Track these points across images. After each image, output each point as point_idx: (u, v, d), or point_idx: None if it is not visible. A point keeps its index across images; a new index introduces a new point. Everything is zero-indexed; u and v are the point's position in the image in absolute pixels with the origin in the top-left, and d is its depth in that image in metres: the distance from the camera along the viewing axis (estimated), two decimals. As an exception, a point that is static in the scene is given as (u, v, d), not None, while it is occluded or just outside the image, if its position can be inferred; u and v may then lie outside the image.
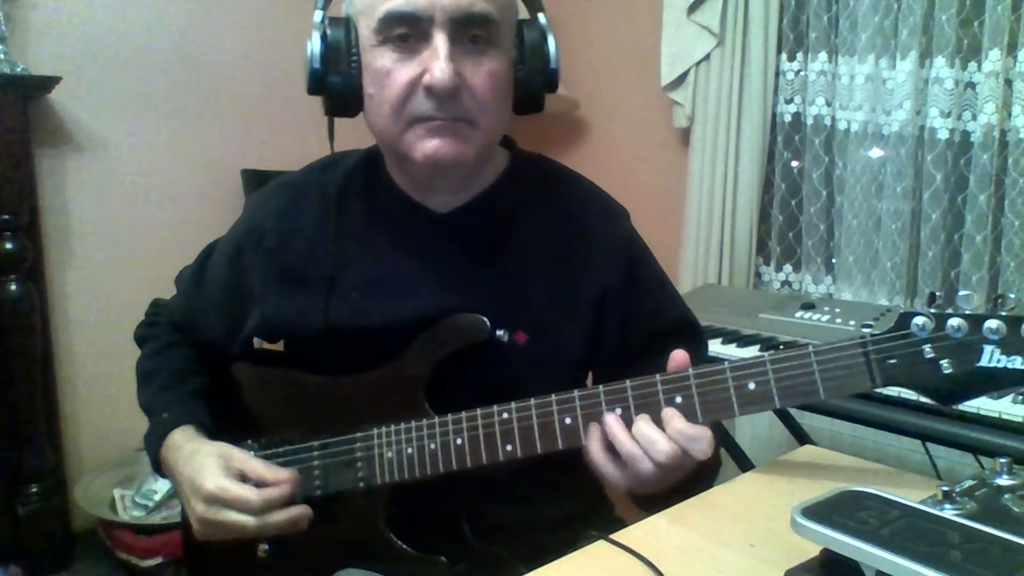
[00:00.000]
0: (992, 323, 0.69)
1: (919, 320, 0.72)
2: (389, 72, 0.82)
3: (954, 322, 0.70)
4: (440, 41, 0.80)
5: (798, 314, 1.64)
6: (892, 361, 0.73)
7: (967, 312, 0.70)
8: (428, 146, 0.84)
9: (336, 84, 0.85)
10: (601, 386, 0.81)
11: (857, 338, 0.75)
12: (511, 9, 0.88)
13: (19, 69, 1.97)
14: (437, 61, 0.80)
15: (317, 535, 0.91)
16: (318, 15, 0.86)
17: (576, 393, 0.82)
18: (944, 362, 0.71)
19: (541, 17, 0.90)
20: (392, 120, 0.84)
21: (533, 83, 0.89)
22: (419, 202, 0.94)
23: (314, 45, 0.85)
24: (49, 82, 2.01)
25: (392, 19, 0.80)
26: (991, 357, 0.69)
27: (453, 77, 0.80)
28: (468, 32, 0.82)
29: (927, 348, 0.72)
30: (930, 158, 1.96)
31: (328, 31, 0.85)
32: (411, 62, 0.82)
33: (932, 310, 0.72)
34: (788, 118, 2.26)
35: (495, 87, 0.85)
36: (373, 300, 0.92)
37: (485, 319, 0.88)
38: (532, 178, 0.98)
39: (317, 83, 0.85)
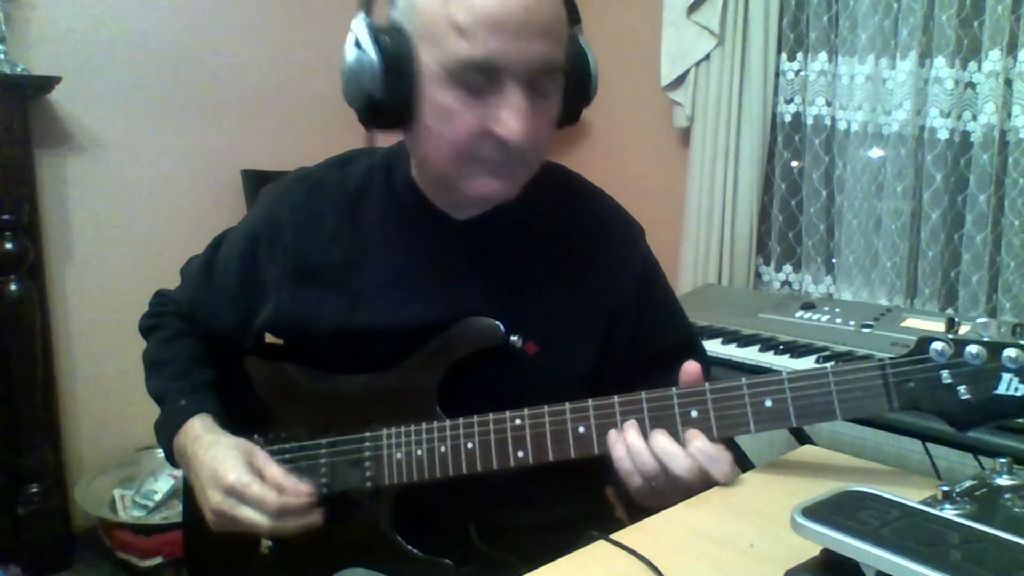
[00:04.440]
0: (1011, 351, 0.69)
1: (938, 345, 0.72)
2: (456, 113, 0.79)
3: (972, 349, 0.70)
4: (518, 97, 0.77)
5: (798, 314, 1.64)
6: (910, 385, 0.73)
7: (986, 339, 0.70)
8: (485, 186, 0.83)
9: (389, 105, 0.81)
10: (616, 396, 0.81)
11: (876, 361, 0.75)
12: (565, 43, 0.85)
13: (19, 69, 1.97)
14: (516, 120, 0.77)
15: (321, 534, 0.91)
16: (363, 21, 0.81)
17: (590, 403, 0.82)
18: (962, 388, 0.71)
19: (577, 30, 0.88)
20: (451, 158, 0.82)
21: (574, 103, 0.88)
22: (439, 208, 0.93)
23: (367, 55, 0.79)
24: (49, 82, 2.01)
25: (473, 68, 0.76)
26: (1009, 385, 0.69)
27: (530, 136, 0.78)
28: (538, 80, 0.79)
29: (945, 373, 0.72)
30: (930, 158, 1.96)
31: (384, 43, 0.79)
32: (478, 105, 0.78)
33: (951, 336, 0.72)
34: (788, 118, 2.26)
35: (550, 128, 0.84)
36: (387, 301, 0.92)
37: (500, 324, 0.88)
38: (552, 188, 0.98)
39: (362, 97, 0.81)
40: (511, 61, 0.76)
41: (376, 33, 0.80)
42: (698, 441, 0.78)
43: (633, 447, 0.79)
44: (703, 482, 0.78)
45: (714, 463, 0.77)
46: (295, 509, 0.87)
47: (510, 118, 0.77)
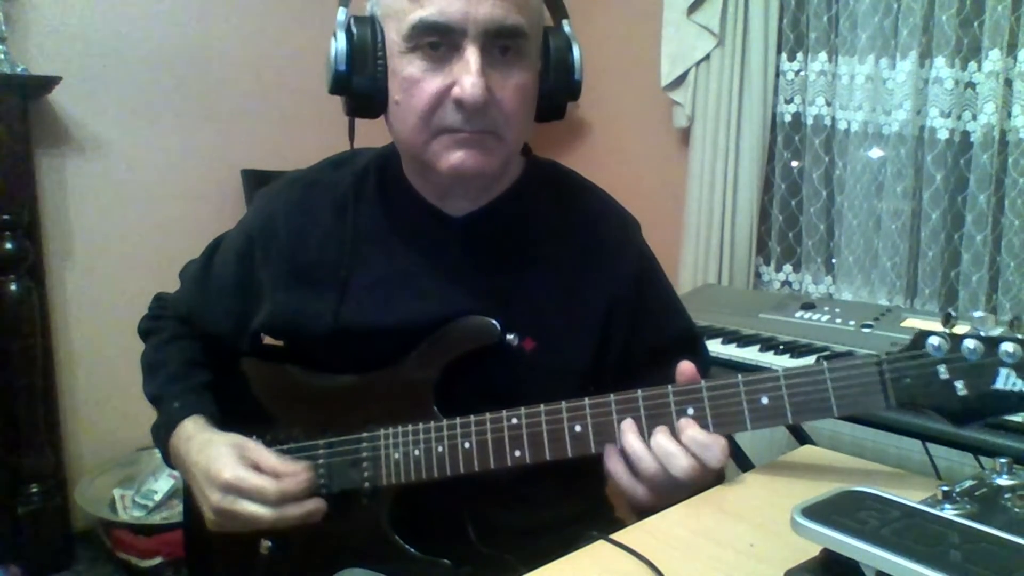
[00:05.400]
0: (1008, 346, 0.68)
1: (934, 340, 0.71)
2: (417, 81, 0.81)
3: (970, 343, 0.70)
4: (472, 55, 0.79)
5: (798, 314, 1.64)
6: (907, 381, 0.72)
7: (983, 333, 0.70)
8: (453, 158, 0.83)
9: (360, 86, 0.84)
10: (612, 395, 0.81)
11: (872, 357, 0.74)
12: (540, 19, 0.87)
13: (19, 69, 1.97)
14: (468, 76, 0.78)
15: (320, 534, 0.91)
16: (341, 13, 0.85)
17: (587, 401, 0.81)
18: (959, 383, 0.71)
19: (565, 25, 0.89)
20: (418, 129, 0.83)
21: (556, 93, 0.89)
22: (434, 205, 0.93)
23: (339, 44, 0.83)
24: (49, 82, 2.01)
25: (424, 28, 0.79)
26: (1007, 380, 0.69)
27: (484, 92, 0.79)
28: (498, 44, 0.81)
29: (942, 369, 0.71)
30: (930, 158, 1.96)
31: (354, 30, 0.83)
32: (440, 72, 0.80)
33: (947, 330, 0.72)
34: (788, 118, 2.26)
35: (522, 100, 0.85)
36: (384, 301, 0.92)
37: (495, 322, 0.88)
38: (546, 185, 0.98)
39: (340, 83, 0.84)
40: (462, 19, 0.78)
41: (350, 22, 0.84)
42: (690, 430, 0.77)
43: (636, 453, 0.78)
44: (701, 474, 0.78)
45: (706, 451, 0.77)
46: (295, 494, 0.87)
47: (466, 76, 0.79)
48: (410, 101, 0.82)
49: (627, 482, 0.80)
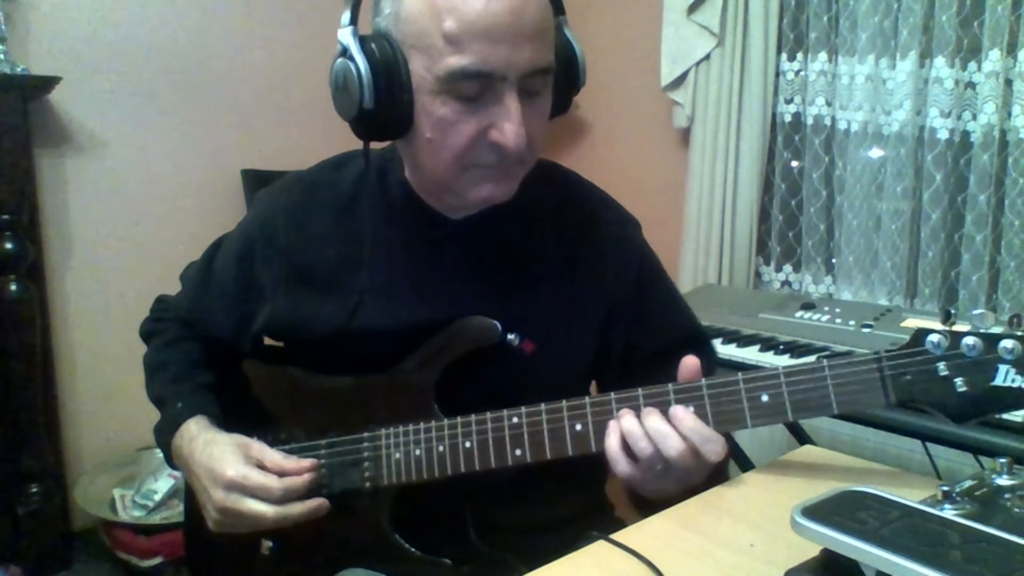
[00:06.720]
0: (1008, 343, 0.69)
1: (934, 337, 0.72)
2: (453, 123, 0.79)
3: (969, 340, 0.70)
4: (512, 102, 0.78)
5: (798, 314, 1.64)
6: (907, 378, 0.73)
7: (982, 331, 0.70)
8: (484, 191, 0.84)
9: (386, 118, 0.81)
10: (613, 393, 0.81)
11: (872, 354, 0.75)
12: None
13: (19, 69, 1.97)
14: (510, 124, 0.78)
15: (321, 534, 0.92)
16: (351, 32, 0.80)
17: (587, 400, 0.81)
18: (958, 380, 0.71)
19: (563, 23, 0.88)
20: (450, 166, 0.82)
21: (564, 93, 0.88)
22: (433, 207, 0.93)
23: (357, 66, 0.78)
24: (49, 82, 2.01)
25: (465, 76, 0.76)
26: (1006, 376, 0.69)
27: (526, 139, 0.79)
28: (532, 84, 0.80)
29: (942, 366, 0.72)
30: (930, 158, 1.96)
31: (376, 55, 0.79)
32: (475, 114, 0.79)
33: (947, 328, 0.72)
34: (788, 118, 2.26)
35: (543, 125, 0.85)
36: (384, 303, 0.92)
37: (496, 323, 0.88)
38: (547, 187, 0.98)
39: (361, 113, 0.80)
40: (503, 67, 0.76)
41: (364, 43, 0.79)
42: (688, 420, 0.77)
43: (632, 433, 0.78)
44: (696, 466, 0.77)
45: (707, 443, 0.76)
46: (299, 491, 0.87)
47: (507, 124, 0.78)
48: (444, 141, 0.80)
49: (620, 459, 0.79)
